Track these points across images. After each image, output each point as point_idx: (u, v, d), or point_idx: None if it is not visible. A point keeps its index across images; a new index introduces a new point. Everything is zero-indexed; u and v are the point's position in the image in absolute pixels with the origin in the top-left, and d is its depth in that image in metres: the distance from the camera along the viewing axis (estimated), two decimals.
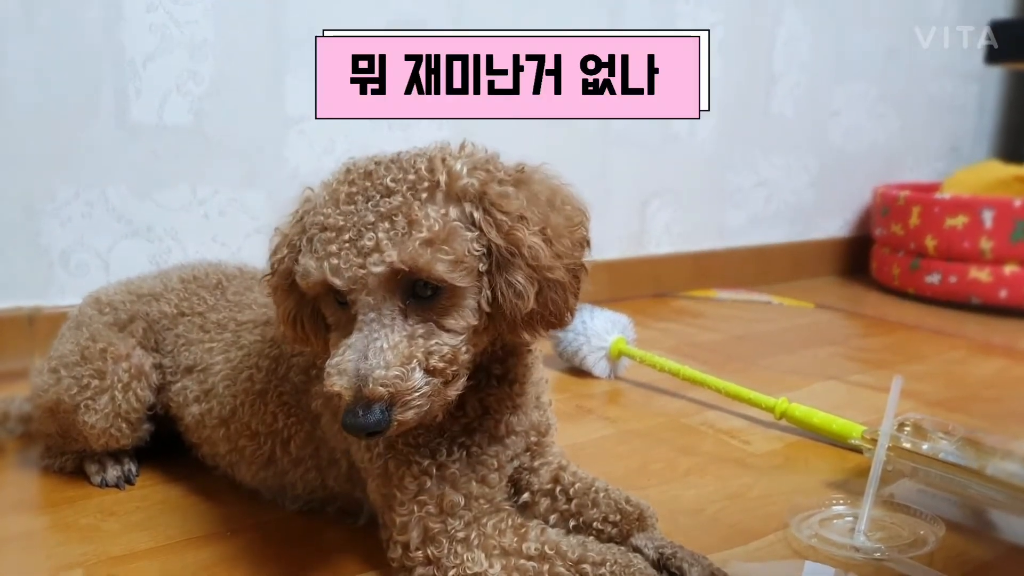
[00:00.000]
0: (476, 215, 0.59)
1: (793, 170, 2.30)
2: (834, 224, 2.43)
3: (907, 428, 0.90)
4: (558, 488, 0.78)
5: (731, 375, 1.21)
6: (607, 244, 1.98)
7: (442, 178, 0.59)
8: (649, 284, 2.05)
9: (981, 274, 1.87)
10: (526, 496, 0.79)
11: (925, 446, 0.86)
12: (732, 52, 2.07)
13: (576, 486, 0.77)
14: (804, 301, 1.99)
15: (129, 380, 0.86)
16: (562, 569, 0.64)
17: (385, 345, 0.57)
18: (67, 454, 0.92)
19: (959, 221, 1.89)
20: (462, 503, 0.67)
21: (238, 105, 1.46)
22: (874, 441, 0.87)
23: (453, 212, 0.59)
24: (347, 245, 0.58)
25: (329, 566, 0.73)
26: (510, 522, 0.68)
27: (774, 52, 2.16)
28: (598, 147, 1.92)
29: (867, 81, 2.35)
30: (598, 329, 1.32)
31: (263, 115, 1.49)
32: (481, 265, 0.60)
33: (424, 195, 0.59)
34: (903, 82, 2.42)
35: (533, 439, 0.77)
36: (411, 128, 1.65)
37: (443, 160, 0.61)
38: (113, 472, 0.89)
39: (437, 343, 0.59)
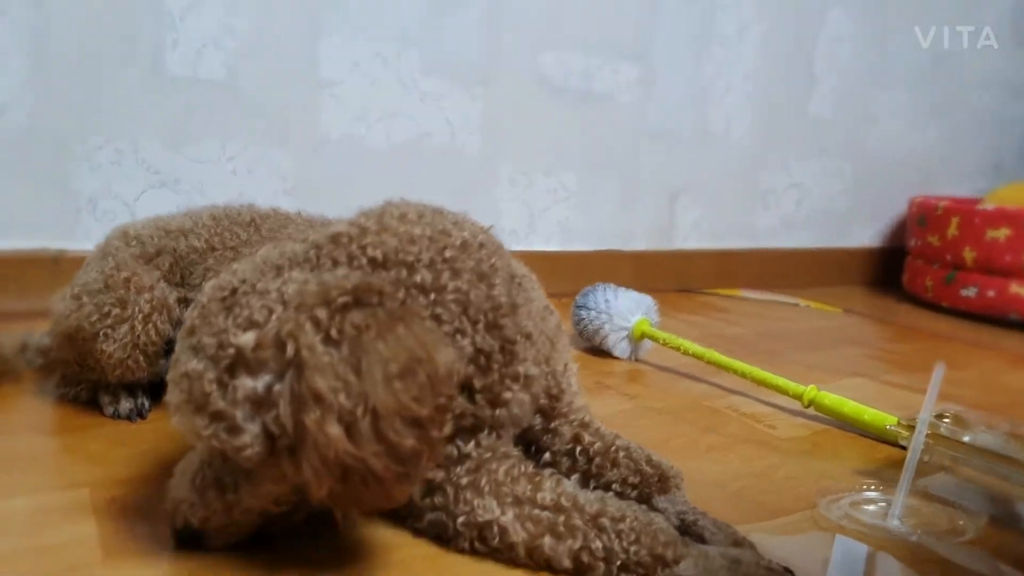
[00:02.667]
0: (276, 387, 0.52)
1: (827, 175, 2.26)
2: (866, 233, 2.39)
3: (947, 419, 0.86)
4: (578, 448, 0.75)
5: (756, 367, 1.17)
6: (634, 235, 1.96)
7: (246, 342, 0.52)
8: (674, 279, 2.01)
9: (1023, 289, 1.82)
10: (547, 456, 0.76)
11: (967, 437, 0.83)
12: (772, 50, 2.04)
13: (596, 445, 0.74)
14: (832, 306, 1.95)
15: (150, 312, 0.85)
16: (579, 522, 0.61)
17: (197, 481, 0.59)
18: (82, 384, 0.90)
19: (1001, 233, 1.84)
20: (456, 454, 0.65)
21: (272, 64, 1.45)
22: (911, 427, 0.84)
23: (244, 387, 0.52)
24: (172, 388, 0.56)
25: None
26: (523, 469, 0.65)
27: (815, 53, 2.12)
28: (631, 135, 1.89)
29: (909, 89, 2.31)
30: (621, 309, 1.29)
31: (296, 76, 1.48)
32: (283, 440, 0.53)
33: (225, 364, 0.53)
34: (947, 93, 2.37)
35: (544, 402, 0.74)
36: (442, 100, 1.63)
37: (268, 310, 0.54)
38: (126, 404, 0.88)
39: (235, 497, 0.58)
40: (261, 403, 0.53)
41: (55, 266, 1.30)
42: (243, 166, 1.46)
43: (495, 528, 0.62)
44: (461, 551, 0.63)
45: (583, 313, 1.32)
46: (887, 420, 0.95)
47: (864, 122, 2.27)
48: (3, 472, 0.74)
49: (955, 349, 1.59)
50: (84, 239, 1.33)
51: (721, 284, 2.08)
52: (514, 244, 1.76)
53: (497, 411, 0.66)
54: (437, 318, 0.61)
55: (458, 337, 0.62)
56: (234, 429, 0.53)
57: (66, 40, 1.29)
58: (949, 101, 2.39)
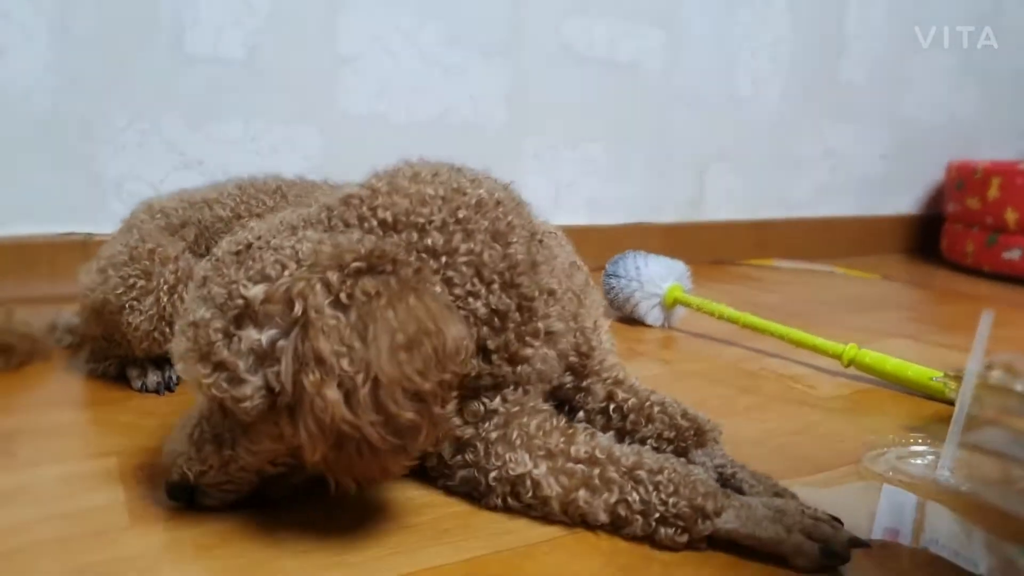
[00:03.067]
0: (281, 343, 0.52)
1: (862, 141, 2.20)
2: (903, 201, 2.32)
3: (996, 370, 0.82)
4: (612, 406, 0.73)
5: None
6: (664, 207, 1.92)
7: (256, 295, 0.52)
8: (706, 251, 1.97)
9: None
10: (581, 415, 0.74)
11: (1019, 386, 0.79)
12: (801, 12, 1.98)
13: (631, 402, 0.72)
14: (870, 273, 1.89)
15: (175, 283, 0.84)
16: (614, 475, 0.59)
17: (195, 435, 0.59)
18: (110, 359, 0.90)
19: None
20: (483, 411, 0.63)
21: (292, 41, 1.44)
22: (958, 379, 0.80)
23: (249, 339, 0.52)
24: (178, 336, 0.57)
25: None
26: (555, 423, 0.64)
27: (847, 14, 2.06)
28: (658, 103, 1.85)
29: (946, 49, 2.22)
30: (652, 275, 1.26)
31: (316, 53, 1.47)
32: (283, 397, 0.52)
33: (232, 314, 0.53)
34: (985, 53, 2.29)
35: (574, 359, 0.72)
36: (466, 73, 1.61)
37: (281, 266, 0.53)
38: (153, 377, 0.87)
39: (232, 454, 0.58)
40: (264, 356, 0.52)
41: (84, 250, 1.30)
42: (267, 145, 1.45)
43: (528, 482, 0.60)
44: (494, 508, 0.62)
45: (613, 281, 1.29)
46: (933, 374, 0.91)
47: (899, 86, 2.20)
48: (33, 443, 0.74)
49: (999, 311, 1.51)
50: (111, 222, 1.33)
51: (754, 255, 2.04)
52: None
53: (518, 368, 0.64)
54: (449, 281, 0.59)
55: (470, 300, 0.60)
56: (235, 380, 0.53)
57: (87, 22, 1.29)
58: (989, 61, 2.30)
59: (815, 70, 2.05)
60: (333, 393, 0.49)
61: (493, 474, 0.62)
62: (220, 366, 0.53)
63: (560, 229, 0.77)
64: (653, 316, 1.27)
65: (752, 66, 1.95)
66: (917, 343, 1.22)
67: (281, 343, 0.52)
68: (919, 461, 0.74)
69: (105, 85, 1.32)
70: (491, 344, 0.62)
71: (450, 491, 0.65)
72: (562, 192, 1.78)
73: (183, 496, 0.60)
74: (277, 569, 0.54)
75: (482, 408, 0.63)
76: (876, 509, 0.62)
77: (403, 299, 0.52)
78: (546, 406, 0.67)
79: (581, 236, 1.74)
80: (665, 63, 1.83)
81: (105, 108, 1.32)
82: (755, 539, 0.56)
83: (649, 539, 0.58)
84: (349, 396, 0.49)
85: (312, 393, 0.50)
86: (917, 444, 0.77)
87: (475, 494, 0.63)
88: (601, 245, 1.76)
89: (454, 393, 0.55)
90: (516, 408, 0.63)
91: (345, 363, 0.49)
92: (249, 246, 0.56)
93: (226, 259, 0.56)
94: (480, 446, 0.62)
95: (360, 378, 0.49)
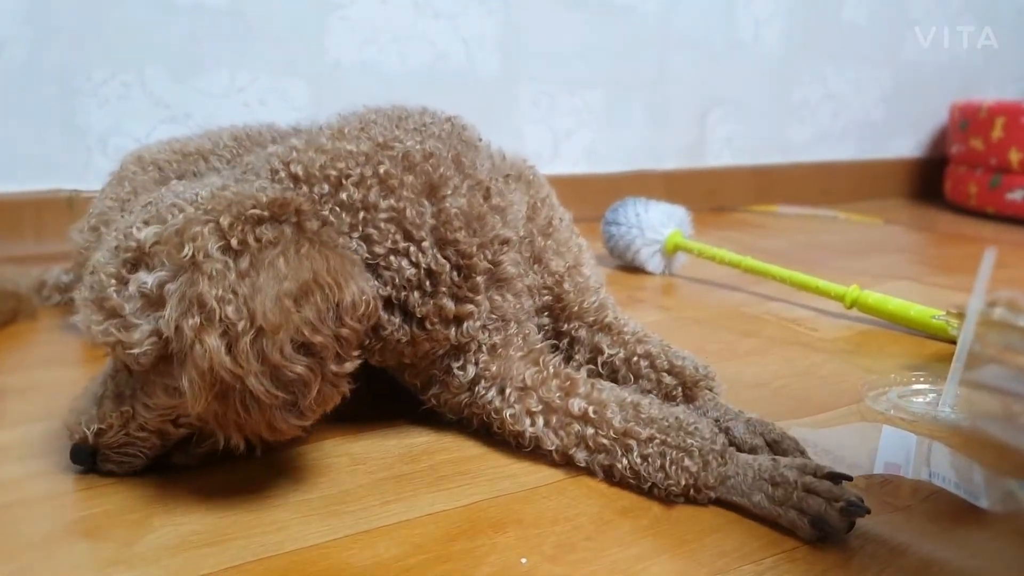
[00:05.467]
0: (169, 287, 0.50)
1: (864, 84, 2.15)
2: (905, 144, 2.28)
3: (998, 307, 0.81)
4: (600, 360, 0.71)
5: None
6: (664, 154, 1.89)
7: (146, 237, 0.51)
8: (707, 198, 1.94)
9: None
10: (573, 366, 0.73)
11: (1022, 322, 0.77)
12: None
13: (618, 356, 0.70)
14: (872, 217, 1.87)
15: None
16: (604, 440, 0.59)
17: (99, 393, 0.57)
18: None
19: None
20: (465, 380, 0.63)
21: None
22: (960, 316, 0.79)
23: (139, 282, 0.50)
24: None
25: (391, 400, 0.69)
26: (552, 369, 0.63)
27: None
28: (657, 48, 1.81)
29: None
30: (652, 221, 1.24)
31: None
32: (173, 345, 0.50)
33: (124, 257, 0.52)
34: None
35: (547, 299, 0.70)
36: (458, 18, 1.56)
37: (178, 209, 0.52)
38: None
39: (130, 410, 0.55)
40: (154, 301, 0.50)
41: (70, 208, 1.28)
42: (255, 97, 1.41)
43: (527, 436, 0.61)
44: (507, 443, 0.63)
45: (613, 229, 1.27)
46: (935, 313, 0.90)
47: (901, 26, 2.15)
48: (22, 401, 0.73)
49: (1002, 252, 1.50)
50: (97, 179, 1.30)
51: (756, 201, 2.01)
52: (538, 168, 1.69)
53: (464, 326, 0.61)
54: (368, 238, 0.57)
55: (393, 258, 0.57)
56: (125, 326, 0.51)
57: None
58: (991, 0, 2.24)
59: (816, 11, 2.00)
60: (213, 340, 0.48)
61: (496, 426, 0.63)
62: (111, 312, 0.51)
63: (533, 166, 0.74)
64: (654, 263, 1.25)
65: (752, 7, 1.90)
66: (920, 285, 1.20)
67: (169, 287, 0.50)
68: (920, 399, 0.73)
69: (84, 35, 1.28)
70: (419, 311, 0.59)
71: (470, 433, 0.65)
72: (560, 140, 1.75)
73: (85, 459, 0.57)
74: (273, 520, 0.53)
75: (458, 380, 0.63)
76: (876, 447, 0.61)
77: (298, 249, 0.51)
78: (538, 343, 0.66)
79: (581, 186, 1.73)
80: (663, 5, 1.78)
81: (85, 59, 1.28)
82: (750, 512, 0.54)
83: (648, 493, 0.57)
84: (232, 344, 0.48)
85: (192, 339, 0.48)
86: (919, 382, 0.76)
87: (491, 433, 0.64)
88: (601, 194, 1.73)
89: (356, 352, 0.53)
90: (493, 366, 0.62)
91: (230, 310, 0.48)
92: (161, 195, 0.55)
93: (136, 206, 0.55)
94: (480, 409, 0.63)
95: (243, 325, 0.48)
